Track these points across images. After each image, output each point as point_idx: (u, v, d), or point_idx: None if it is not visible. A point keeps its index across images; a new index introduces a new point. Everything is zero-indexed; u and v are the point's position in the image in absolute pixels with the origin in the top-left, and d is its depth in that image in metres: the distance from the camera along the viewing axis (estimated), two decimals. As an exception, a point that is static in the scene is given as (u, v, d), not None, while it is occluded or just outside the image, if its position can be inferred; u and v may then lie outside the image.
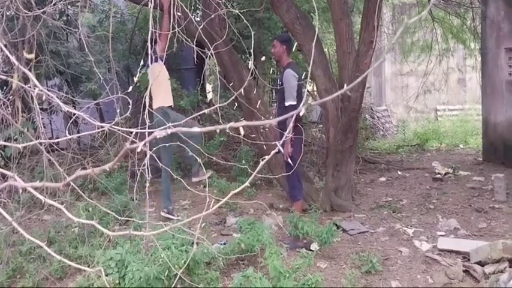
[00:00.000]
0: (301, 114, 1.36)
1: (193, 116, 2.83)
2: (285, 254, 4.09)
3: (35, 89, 1.94)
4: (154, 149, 4.01)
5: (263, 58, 6.90)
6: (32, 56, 1.59)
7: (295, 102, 4.77)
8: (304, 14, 6.32)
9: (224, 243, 4.56)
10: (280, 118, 1.41)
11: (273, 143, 4.77)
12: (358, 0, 9.46)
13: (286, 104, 4.81)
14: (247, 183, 1.65)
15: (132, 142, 2.07)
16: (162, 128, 1.94)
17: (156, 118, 5.15)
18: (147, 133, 2.28)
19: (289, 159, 4.59)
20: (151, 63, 5.30)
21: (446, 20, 10.59)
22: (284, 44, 5.02)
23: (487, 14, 8.34)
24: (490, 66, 8.36)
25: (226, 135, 7.41)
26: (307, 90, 4.90)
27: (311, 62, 5.42)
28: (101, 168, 1.56)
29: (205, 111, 2.50)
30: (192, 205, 6.29)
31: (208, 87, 13.94)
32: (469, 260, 4.02)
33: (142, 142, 1.30)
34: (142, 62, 3.39)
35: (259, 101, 6.06)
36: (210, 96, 12.74)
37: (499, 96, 8.09)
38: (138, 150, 1.32)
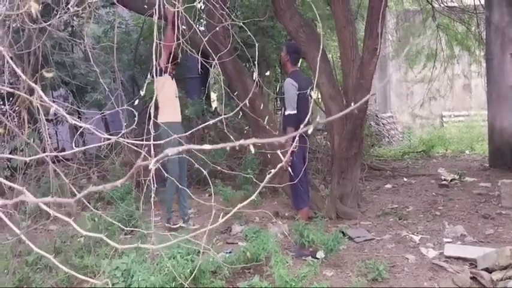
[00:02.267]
0: (309, 132, 1.36)
1: (199, 127, 2.84)
2: (291, 262, 4.07)
3: (41, 101, 1.96)
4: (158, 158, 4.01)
5: (267, 73, 6.91)
6: (51, 74, 1.62)
7: (293, 112, 4.73)
8: (307, 22, 6.35)
9: (230, 252, 4.55)
10: (287, 136, 1.42)
11: (277, 151, 4.75)
12: (362, 7, 9.49)
13: (286, 113, 4.81)
14: (253, 197, 1.65)
15: (140, 154, 2.08)
16: (167, 140, 1.95)
17: (163, 132, 5.05)
18: (152, 145, 2.30)
19: (289, 168, 4.59)
20: (157, 75, 5.32)
21: (450, 27, 10.59)
22: (289, 54, 5.02)
23: (492, 20, 8.34)
24: (496, 72, 8.34)
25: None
26: (310, 96, 4.84)
27: (317, 69, 5.43)
28: (113, 184, 1.57)
29: (211, 122, 2.50)
30: (198, 214, 6.29)
31: (213, 95, 13.98)
32: (476, 266, 3.99)
33: (155, 159, 1.31)
34: (148, 74, 3.41)
35: (264, 110, 6.08)
36: (214, 105, 12.78)
37: (505, 101, 8.07)
38: (150, 167, 1.34)
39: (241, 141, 1.25)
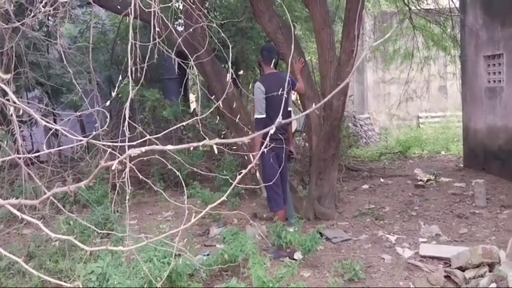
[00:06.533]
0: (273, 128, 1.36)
1: (176, 126, 2.83)
2: (269, 263, 4.08)
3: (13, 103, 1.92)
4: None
5: (240, 72, 6.90)
6: (8, 76, 1.58)
7: (260, 116, 4.72)
8: (286, 23, 6.35)
9: (207, 255, 4.53)
10: (254, 135, 1.42)
11: (249, 154, 4.74)
12: (340, 9, 9.56)
13: (254, 116, 4.80)
14: (224, 197, 1.65)
15: (115, 156, 2.06)
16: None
17: None
18: (126, 147, 2.27)
19: (257, 172, 4.58)
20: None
21: (427, 28, 10.75)
22: (262, 54, 5.05)
23: (466, 22, 8.49)
24: (470, 73, 8.49)
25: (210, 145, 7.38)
26: (287, 97, 4.81)
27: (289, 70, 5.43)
28: (77, 185, 1.56)
29: (187, 122, 2.49)
30: (175, 216, 6.25)
31: (192, 97, 13.92)
32: (450, 265, 4.06)
33: (117, 160, 1.29)
34: (121, 75, 3.37)
35: (242, 111, 6.07)
36: (193, 106, 12.72)
37: (479, 103, 8.22)
38: (113, 168, 1.32)
39: (205, 141, 1.25)
